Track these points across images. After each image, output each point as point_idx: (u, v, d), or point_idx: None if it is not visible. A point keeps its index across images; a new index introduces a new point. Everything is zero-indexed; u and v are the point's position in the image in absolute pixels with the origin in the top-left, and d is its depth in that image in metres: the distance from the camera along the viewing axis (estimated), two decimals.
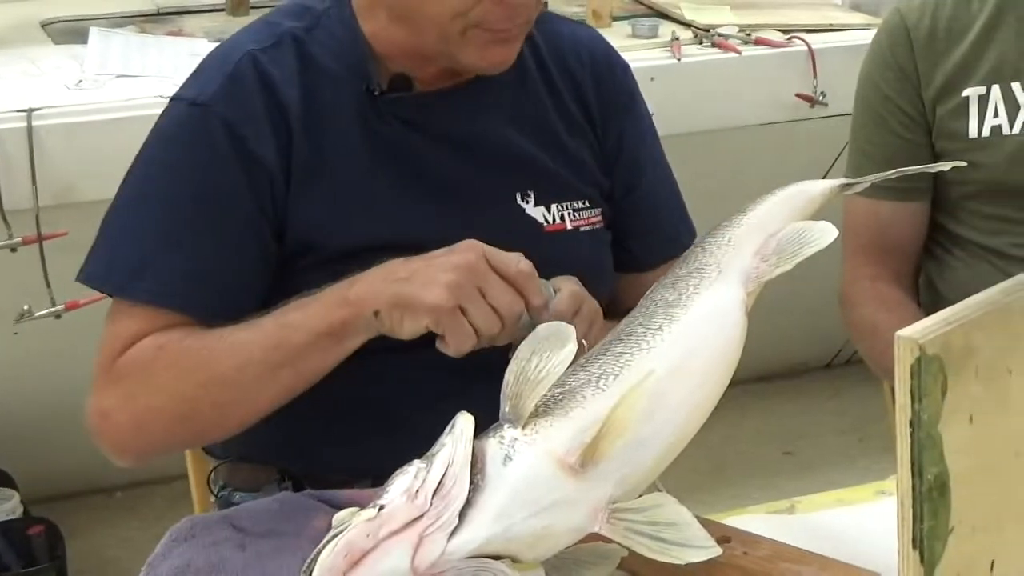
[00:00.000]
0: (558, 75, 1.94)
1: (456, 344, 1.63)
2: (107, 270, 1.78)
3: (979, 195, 2.22)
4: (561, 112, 1.93)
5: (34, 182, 2.88)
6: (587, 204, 1.92)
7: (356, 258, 1.77)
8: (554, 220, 1.90)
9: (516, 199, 1.88)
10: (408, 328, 1.64)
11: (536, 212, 1.89)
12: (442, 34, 1.77)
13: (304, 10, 1.87)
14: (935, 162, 2.22)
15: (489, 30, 1.75)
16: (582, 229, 1.91)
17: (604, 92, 1.97)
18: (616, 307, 2.00)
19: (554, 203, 1.90)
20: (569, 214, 1.90)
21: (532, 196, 1.89)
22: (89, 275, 1.79)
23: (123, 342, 1.74)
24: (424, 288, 1.62)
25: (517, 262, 1.65)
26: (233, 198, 1.77)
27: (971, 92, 2.19)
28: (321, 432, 1.87)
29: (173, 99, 1.83)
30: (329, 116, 1.81)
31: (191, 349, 1.71)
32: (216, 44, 1.95)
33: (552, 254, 1.84)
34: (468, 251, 1.64)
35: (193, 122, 1.78)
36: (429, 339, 1.79)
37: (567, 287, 1.70)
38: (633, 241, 2.00)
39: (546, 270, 1.81)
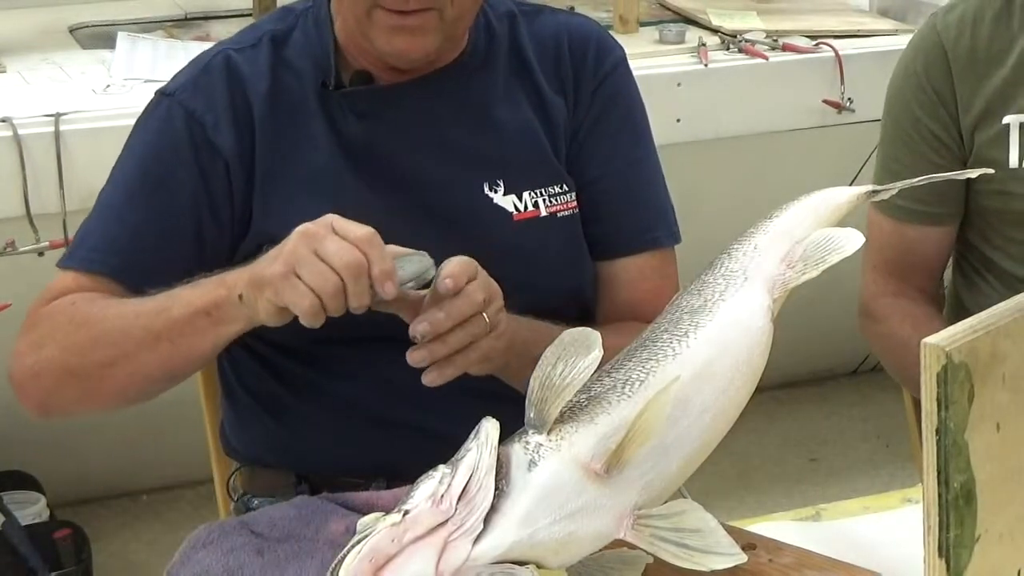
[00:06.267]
0: (536, 58, 1.94)
1: (295, 304, 1.57)
2: (67, 250, 1.86)
3: (1018, 224, 2.15)
4: (537, 96, 1.93)
5: (61, 186, 2.89)
6: (564, 188, 1.92)
7: None
8: (526, 208, 1.89)
9: (484, 189, 1.88)
10: (263, 307, 1.61)
11: (505, 201, 1.89)
12: (354, 13, 1.81)
13: (287, 12, 1.94)
14: (967, 190, 2.17)
15: (390, 11, 1.77)
16: (559, 215, 1.91)
17: (578, 72, 1.96)
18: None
19: (527, 191, 1.89)
20: (544, 200, 1.90)
21: (501, 185, 1.89)
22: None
23: (52, 295, 1.80)
24: (269, 265, 1.61)
25: (359, 227, 1.59)
26: (180, 179, 1.83)
27: (1012, 120, 2.11)
28: (334, 434, 1.89)
29: (155, 92, 1.91)
30: (295, 111, 1.86)
31: (94, 307, 1.75)
32: None
33: (522, 242, 1.86)
34: (312, 223, 1.60)
35: (159, 110, 1.87)
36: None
37: (456, 258, 1.66)
38: (601, 225, 1.97)
39: (517, 259, 1.84)
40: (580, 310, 1.93)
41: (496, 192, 1.88)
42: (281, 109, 1.86)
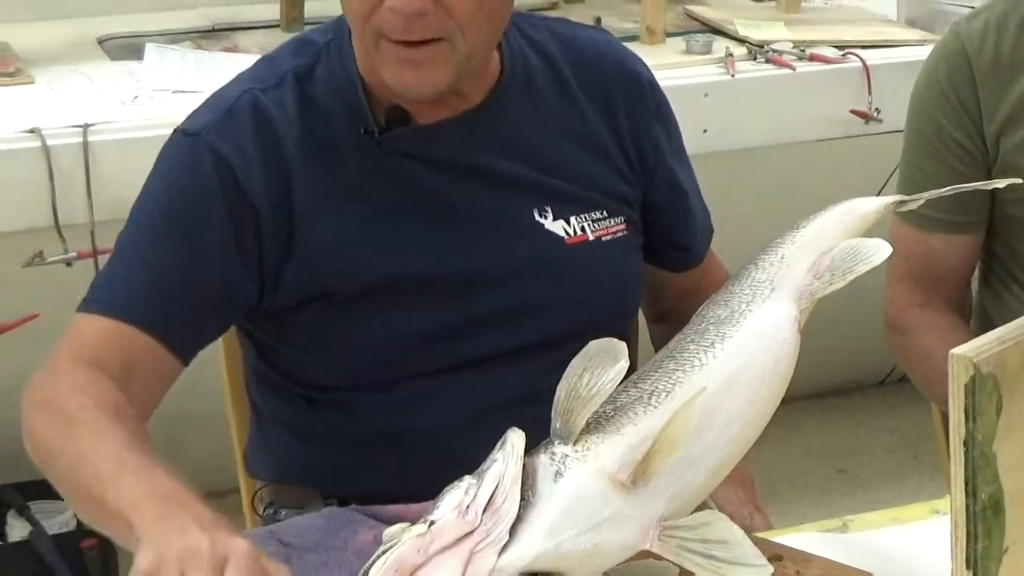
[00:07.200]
0: (577, 84, 1.91)
1: None
2: (87, 293, 1.78)
3: None
4: (577, 123, 1.90)
5: (89, 197, 2.90)
6: (605, 214, 1.90)
7: (376, 296, 1.79)
8: (575, 232, 1.87)
9: (535, 216, 1.86)
10: None
11: (556, 226, 1.86)
12: (363, 45, 1.76)
13: (306, 46, 1.86)
14: (992, 198, 2.16)
15: (394, 43, 1.71)
16: (604, 239, 1.89)
17: (637, 106, 1.94)
18: (674, 305, 2.06)
19: (573, 215, 1.87)
20: (589, 225, 1.88)
21: (550, 211, 1.86)
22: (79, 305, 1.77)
23: (76, 343, 1.72)
24: (156, 543, 1.44)
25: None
26: (209, 225, 1.76)
27: None
28: (364, 460, 1.87)
29: (174, 131, 1.83)
30: (332, 155, 1.80)
31: (76, 433, 1.59)
32: None
33: (575, 265, 1.85)
34: (216, 546, 1.40)
35: (183, 149, 1.79)
36: (471, 368, 1.81)
37: None
38: (687, 239, 2.02)
39: (571, 281, 1.85)
40: (620, 333, 1.94)
41: (546, 218, 1.86)
42: (315, 156, 1.79)
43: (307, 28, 3.60)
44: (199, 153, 1.77)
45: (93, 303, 1.75)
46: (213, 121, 1.79)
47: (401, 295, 1.80)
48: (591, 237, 1.88)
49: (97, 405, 1.62)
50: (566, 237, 1.87)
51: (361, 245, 1.79)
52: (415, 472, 1.81)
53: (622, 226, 1.91)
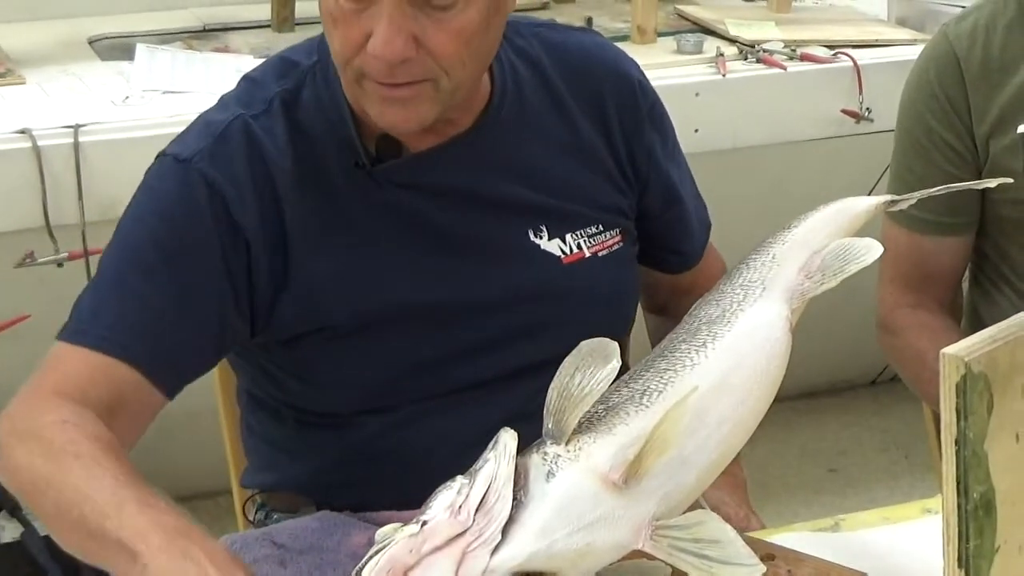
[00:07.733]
0: (568, 92, 1.88)
1: None
2: (71, 320, 1.71)
3: None
4: (569, 134, 1.87)
5: (80, 198, 2.89)
6: (600, 228, 1.87)
7: (374, 328, 1.76)
8: (571, 250, 1.85)
9: (530, 237, 1.83)
10: None
11: (552, 246, 1.84)
12: (346, 81, 1.71)
13: (290, 67, 1.81)
14: (982, 199, 2.16)
15: (377, 83, 1.66)
16: (600, 254, 1.86)
17: (628, 109, 1.91)
18: (672, 299, 2.04)
19: (568, 233, 1.85)
20: (585, 241, 1.86)
21: (545, 231, 1.83)
22: (61, 331, 1.71)
23: (61, 374, 1.66)
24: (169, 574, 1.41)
25: None
26: (200, 256, 1.70)
27: None
28: (359, 477, 1.85)
29: (159, 155, 1.78)
30: (324, 187, 1.75)
31: (68, 464, 1.54)
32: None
33: (573, 284, 1.83)
34: None
35: (175, 177, 1.73)
36: (469, 391, 1.80)
37: None
38: (683, 243, 2.01)
39: (569, 300, 1.83)
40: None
41: (541, 238, 1.83)
42: (307, 188, 1.74)
43: (296, 27, 3.61)
44: (192, 182, 1.71)
45: (79, 335, 1.68)
46: (205, 148, 1.73)
47: (399, 326, 1.77)
48: (587, 254, 1.86)
49: (88, 438, 1.56)
50: (562, 256, 1.84)
51: (358, 279, 1.76)
52: (411, 488, 1.79)
53: (618, 238, 1.89)
